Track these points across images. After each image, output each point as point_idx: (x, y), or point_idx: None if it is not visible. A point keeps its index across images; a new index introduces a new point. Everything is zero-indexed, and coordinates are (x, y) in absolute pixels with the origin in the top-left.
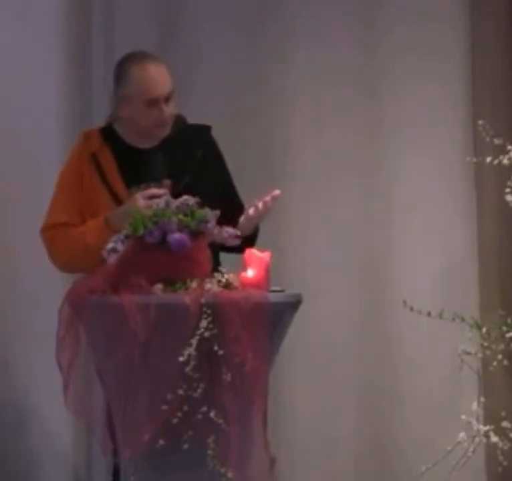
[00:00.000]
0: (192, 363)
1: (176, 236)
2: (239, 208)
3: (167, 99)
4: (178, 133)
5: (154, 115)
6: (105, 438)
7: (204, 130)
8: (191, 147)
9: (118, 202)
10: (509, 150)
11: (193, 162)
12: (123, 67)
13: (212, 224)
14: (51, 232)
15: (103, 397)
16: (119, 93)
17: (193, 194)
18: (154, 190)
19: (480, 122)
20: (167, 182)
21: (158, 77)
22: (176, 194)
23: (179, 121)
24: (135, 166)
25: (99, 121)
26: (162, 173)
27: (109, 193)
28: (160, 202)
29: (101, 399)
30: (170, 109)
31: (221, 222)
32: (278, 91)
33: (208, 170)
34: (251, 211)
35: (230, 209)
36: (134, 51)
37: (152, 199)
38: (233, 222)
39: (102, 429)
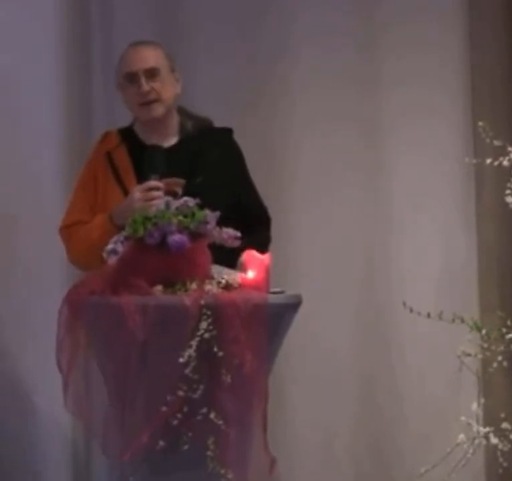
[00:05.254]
0: (192, 364)
1: (175, 238)
2: (256, 215)
3: (150, 75)
4: (198, 134)
5: (135, 92)
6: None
7: (225, 132)
8: (208, 147)
9: None
10: (509, 152)
11: (208, 162)
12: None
13: (212, 225)
14: (67, 231)
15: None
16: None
17: (205, 195)
18: (152, 182)
19: (480, 123)
20: (181, 181)
21: (139, 53)
22: (189, 194)
23: (203, 122)
24: (150, 165)
25: (98, 124)
26: (174, 172)
27: (123, 192)
28: (160, 203)
29: (103, 400)
30: (155, 86)
31: (231, 226)
32: (277, 90)
33: (222, 172)
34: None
35: (243, 213)
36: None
37: (149, 191)
38: (245, 227)
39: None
